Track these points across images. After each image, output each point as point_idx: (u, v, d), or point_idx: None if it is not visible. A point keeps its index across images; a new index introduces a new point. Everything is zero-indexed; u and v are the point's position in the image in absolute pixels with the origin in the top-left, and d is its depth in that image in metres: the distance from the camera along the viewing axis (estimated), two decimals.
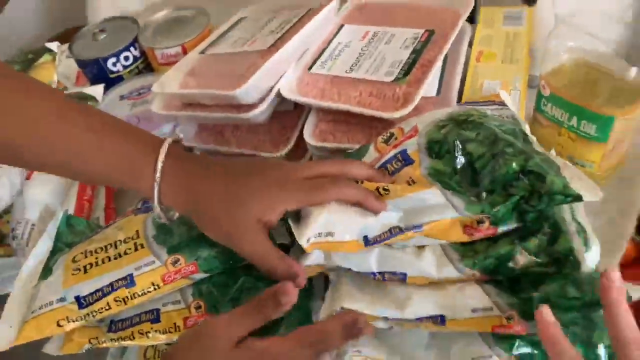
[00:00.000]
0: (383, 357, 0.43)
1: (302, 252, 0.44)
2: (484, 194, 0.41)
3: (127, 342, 0.46)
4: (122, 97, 0.75)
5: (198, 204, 0.44)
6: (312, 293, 0.48)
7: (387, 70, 0.58)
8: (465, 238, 0.42)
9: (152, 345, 0.48)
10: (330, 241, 0.43)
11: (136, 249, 0.47)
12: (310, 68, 0.62)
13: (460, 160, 0.43)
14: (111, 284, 0.45)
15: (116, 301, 0.44)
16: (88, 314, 0.44)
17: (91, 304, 0.44)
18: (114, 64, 0.76)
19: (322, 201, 0.43)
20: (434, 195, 0.42)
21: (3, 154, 0.43)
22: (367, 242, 0.43)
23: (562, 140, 0.54)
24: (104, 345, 0.46)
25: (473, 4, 0.64)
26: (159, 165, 0.43)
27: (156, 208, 0.45)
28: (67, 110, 0.43)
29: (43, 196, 0.59)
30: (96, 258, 0.48)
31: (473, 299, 0.41)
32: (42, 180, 0.60)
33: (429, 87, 0.57)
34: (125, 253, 0.47)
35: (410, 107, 0.53)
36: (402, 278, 0.43)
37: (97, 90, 0.72)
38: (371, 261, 0.44)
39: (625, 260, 0.53)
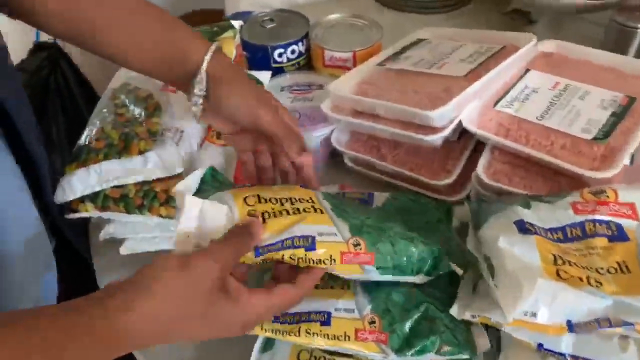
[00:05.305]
0: None
1: None
2: None
3: (290, 338, 0.45)
4: (282, 89, 0.75)
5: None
6: None
7: (583, 127, 0.56)
8: None
9: (307, 349, 0.47)
10: (533, 322, 0.40)
11: (316, 212, 0.44)
12: (495, 104, 0.60)
13: None
14: (293, 239, 0.42)
15: (291, 258, 0.42)
16: (263, 261, 0.43)
17: (267, 252, 0.42)
18: (280, 55, 0.77)
19: None
20: None
21: (82, 34, 0.50)
22: (571, 327, 0.40)
23: None
24: (265, 334, 0.45)
25: None
26: (213, 47, 0.49)
27: (201, 77, 0.48)
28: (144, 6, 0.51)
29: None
30: (272, 208, 0.44)
31: None
32: (210, 153, 0.61)
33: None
34: (305, 211, 0.44)
35: (614, 171, 0.50)
36: None
37: (264, 76, 0.72)
38: (566, 341, 0.41)
39: None
